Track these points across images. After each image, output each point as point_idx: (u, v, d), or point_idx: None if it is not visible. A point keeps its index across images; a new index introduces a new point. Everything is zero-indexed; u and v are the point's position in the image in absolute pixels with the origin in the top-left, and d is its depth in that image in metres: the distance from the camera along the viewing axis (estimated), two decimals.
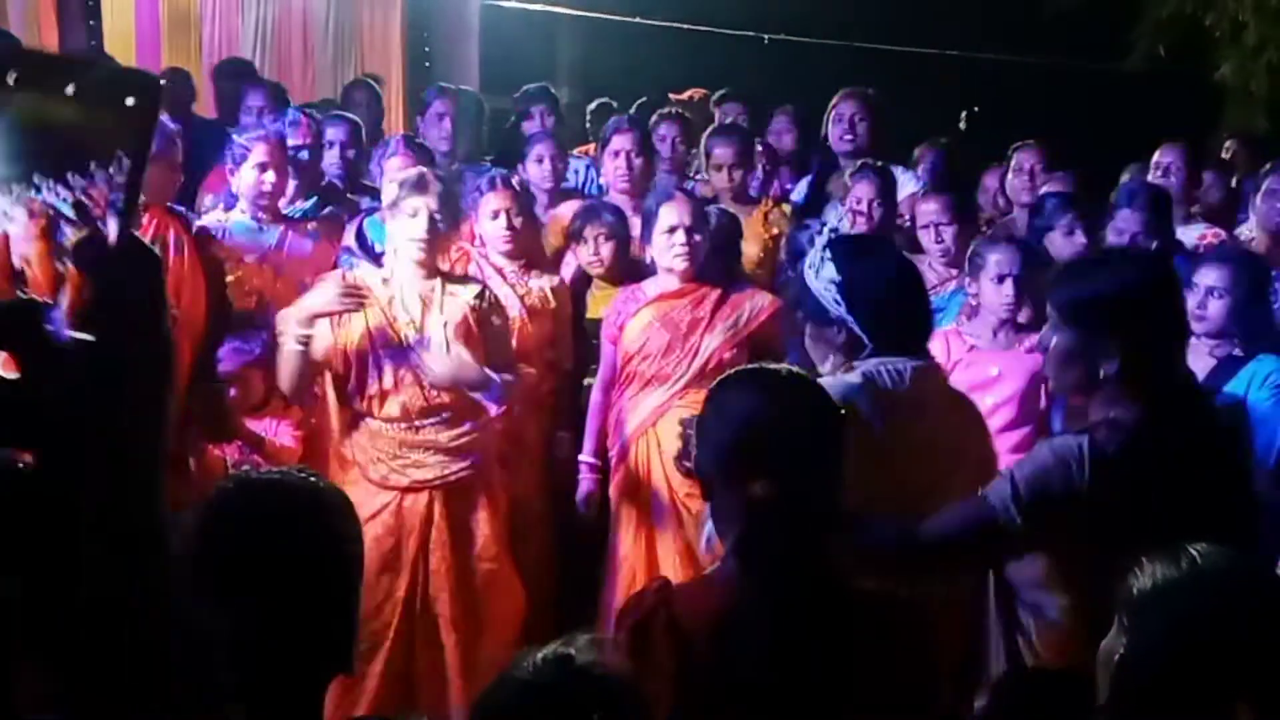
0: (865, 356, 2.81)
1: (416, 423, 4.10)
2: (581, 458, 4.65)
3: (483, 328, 4.15)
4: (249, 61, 7.81)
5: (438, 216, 4.08)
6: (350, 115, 6.07)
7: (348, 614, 1.83)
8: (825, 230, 3.03)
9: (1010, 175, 5.82)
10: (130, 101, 0.84)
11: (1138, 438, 2.44)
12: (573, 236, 4.90)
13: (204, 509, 1.80)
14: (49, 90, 0.85)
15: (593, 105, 7.13)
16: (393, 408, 4.09)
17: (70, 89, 0.84)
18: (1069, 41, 10.49)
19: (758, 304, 4.49)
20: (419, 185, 4.11)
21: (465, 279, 4.32)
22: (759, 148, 5.88)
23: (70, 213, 0.84)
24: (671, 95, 7.36)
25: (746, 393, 2.16)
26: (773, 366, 2.30)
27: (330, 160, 5.61)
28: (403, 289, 4.13)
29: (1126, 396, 2.48)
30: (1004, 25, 10.66)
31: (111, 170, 0.84)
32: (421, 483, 4.12)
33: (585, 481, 4.63)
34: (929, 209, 4.90)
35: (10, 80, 0.84)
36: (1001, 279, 4.26)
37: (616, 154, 5.38)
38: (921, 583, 2.49)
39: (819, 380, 2.53)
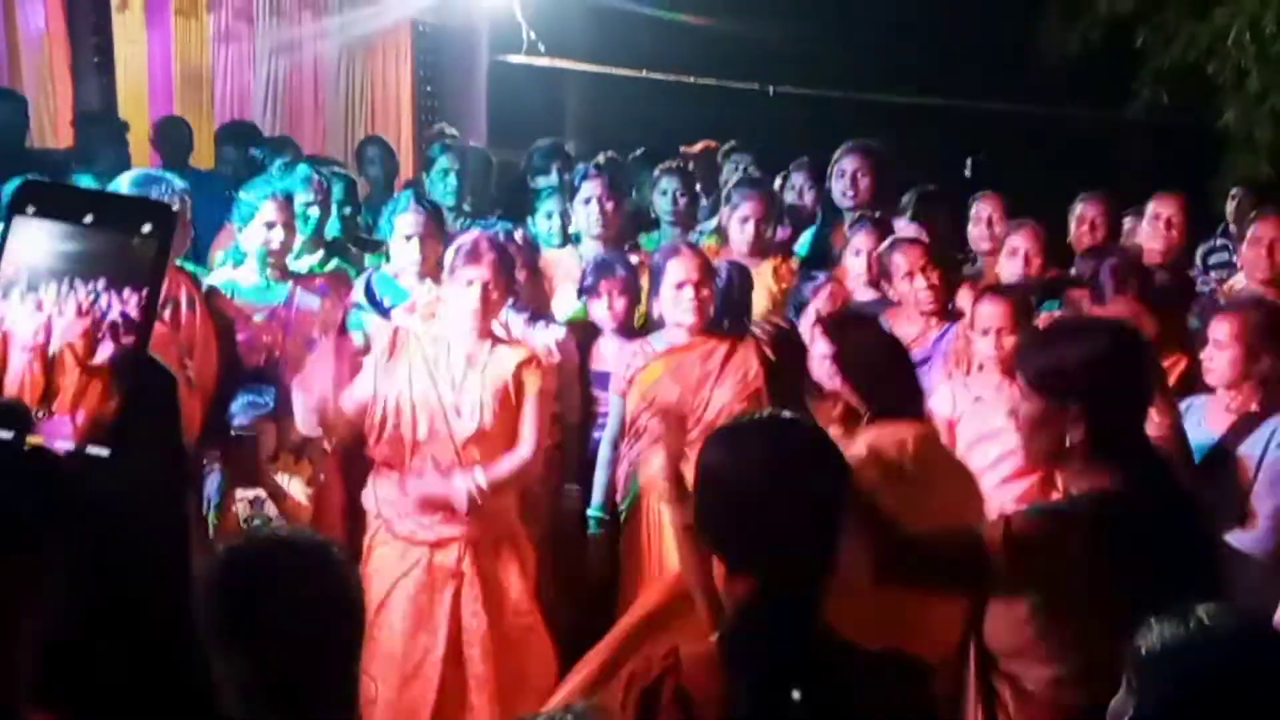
0: (865, 424, 2.86)
1: (444, 476, 4.11)
2: (591, 513, 4.64)
3: (521, 393, 4.18)
4: (251, 123, 7.90)
5: (491, 287, 4.12)
6: (345, 171, 6.13)
7: (350, 666, 1.88)
8: (809, 308, 3.13)
9: (970, 225, 5.85)
10: (146, 229, 0.88)
11: (1119, 509, 2.46)
12: (586, 291, 4.90)
13: (219, 562, 1.87)
14: (69, 220, 0.88)
15: (600, 159, 7.19)
16: (422, 461, 4.11)
17: (89, 218, 0.87)
18: (1072, 89, 10.55)
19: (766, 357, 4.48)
20: (472, 255, 4.14)
21: (515, 343, 4.34)
22: None
23: (117, 321, 0.87)
24: (682, 149, 7.40)
25: (730, 451, 2.07)
26: (761, 416, 2.20)
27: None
28: (450, 347, 4.17)
29: (1095, 466, 2.51)
30: (1008, 74, 10.72)
31: (132, 293, 0.87)
32: (450, 538, 4.12)
33: (594, 536, 4.61)
34: (901, 260, 4.88)
35: (29, 212, 0.88)
36: (986, 332, 4.28)
37: (588, 201, 5.41)
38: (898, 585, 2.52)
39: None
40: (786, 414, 2.19)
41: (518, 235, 4.91)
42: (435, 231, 5.12)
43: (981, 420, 4.24)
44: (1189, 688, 1.71)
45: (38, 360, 0.87)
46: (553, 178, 6.48)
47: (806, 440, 2.11)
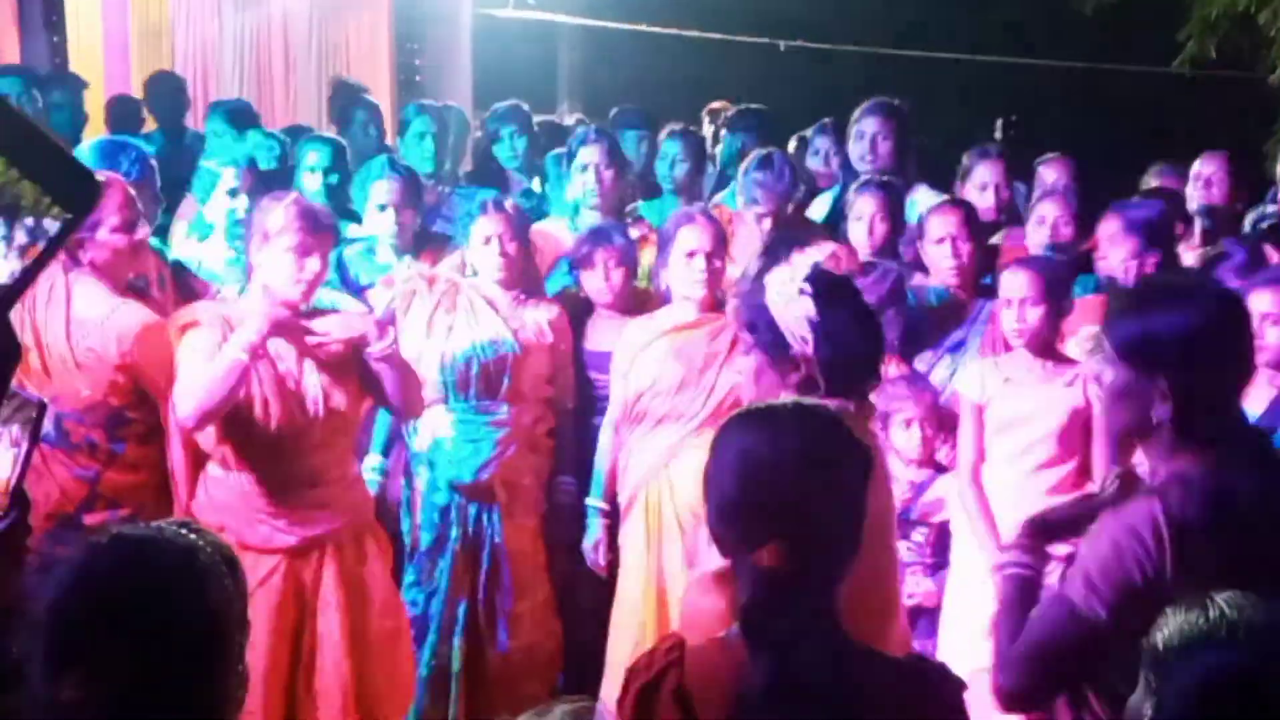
0: (820, 397, 2.95)
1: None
2: (590, 502, 4.67)
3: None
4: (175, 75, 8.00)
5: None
6: (332, 137, 6.13)
7: (221, 680, 1.87)
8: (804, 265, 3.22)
9: (1037, 192, 5.85)
10: (70, 202, 0.92)
11: (1213, 497, 2.39)
12: (580, 262, 4.92)
13: (75, 565, 1.85)
14: (10, 153, 0.92)
15: (570, 121, 7.20)
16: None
17: (25, 163, 0.92)
18: (1112, 42, 10.55)
19: None
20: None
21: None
22: None
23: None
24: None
25: (747, 436, 2.10)
26: (778, 403, 2.25)
27: (311, 185, 5.65)
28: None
29: (1185, 446, 2.45)
30: (1041, 26, 10.72)
31: (22, 248, 0.92)
32: (312, 539, 3.99)
33: (594, 527, 4.65)
34: (935, 226, 4.82)
35: None
36: (1010, 303, 4.31)
37: (585, 168, 5.40)
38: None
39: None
40: (791, 400, 2.26)
41: (507, 204, 4.90)
42: (411, 199, 5.14)
43: (1011, 404, 4.25)
44: (1212, 684, 1.71)
45: None
46: (507, 144, 6.48)
47: (840, 430, 2.16)
